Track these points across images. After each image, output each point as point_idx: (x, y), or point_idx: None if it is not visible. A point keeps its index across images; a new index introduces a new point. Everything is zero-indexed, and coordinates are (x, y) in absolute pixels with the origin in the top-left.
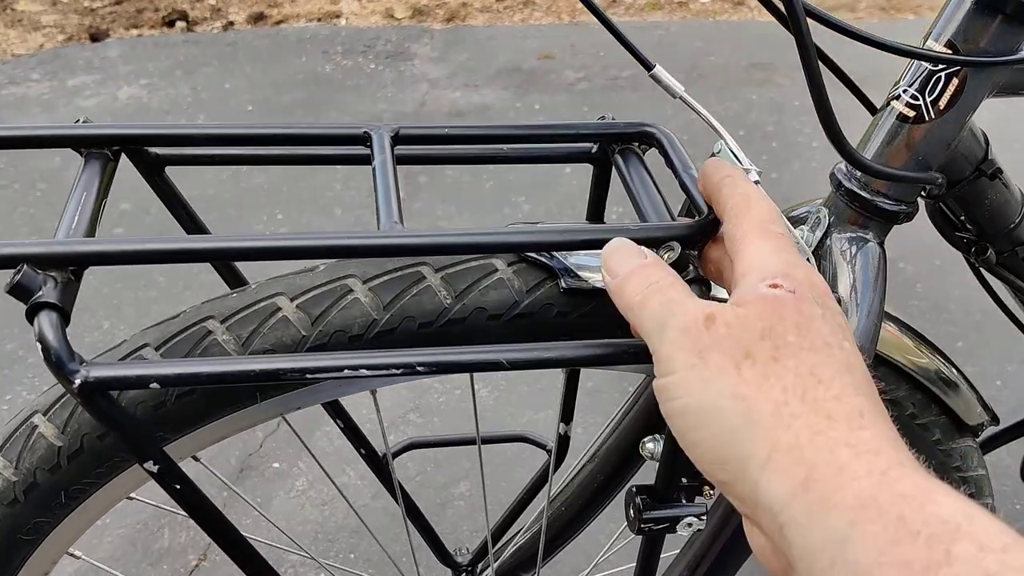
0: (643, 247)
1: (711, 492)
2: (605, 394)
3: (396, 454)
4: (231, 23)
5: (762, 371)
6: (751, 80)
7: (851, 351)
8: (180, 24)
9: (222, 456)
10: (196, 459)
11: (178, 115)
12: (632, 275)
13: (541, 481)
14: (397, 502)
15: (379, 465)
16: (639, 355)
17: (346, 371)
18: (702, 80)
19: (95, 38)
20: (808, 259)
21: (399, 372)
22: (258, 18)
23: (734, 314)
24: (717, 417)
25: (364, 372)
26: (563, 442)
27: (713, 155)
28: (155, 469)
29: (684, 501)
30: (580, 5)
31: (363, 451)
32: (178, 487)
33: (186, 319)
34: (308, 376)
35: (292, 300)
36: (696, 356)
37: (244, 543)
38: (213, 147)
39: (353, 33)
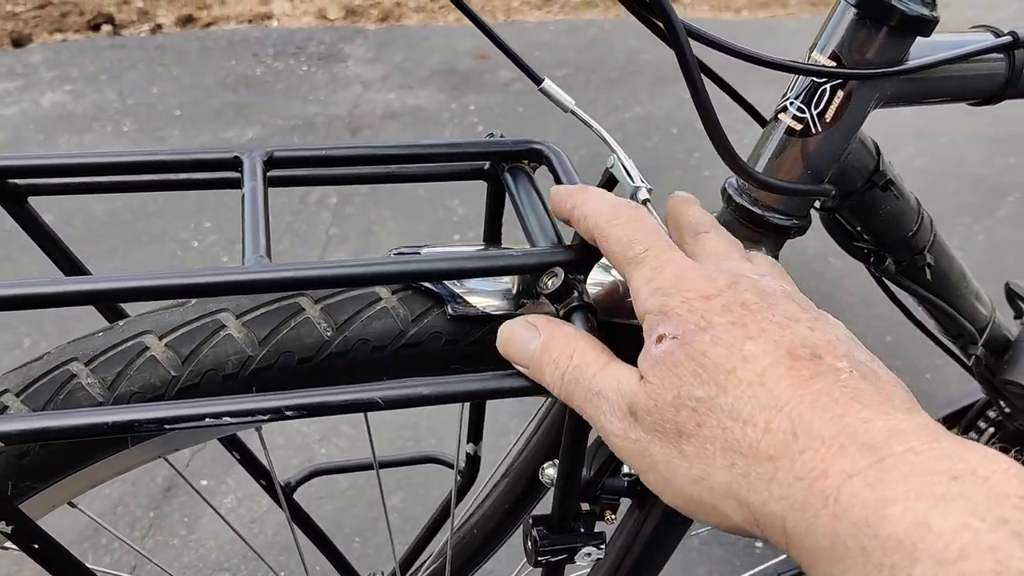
0: (535, 319)
1: (612, 517)
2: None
3: (299, 483)
4: (159, 26)
5: (698, 444)
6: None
7: (757, 344)
8: (106, 28)
9: (147, 475)
10: (73, 505)
11: (104, 121)
12: (539, 364)
13: (455, 501)
14: (303, 533)
15: (284, 495)
16: (522, 388)
17: (207, 420)
18: (635, 77)
19: (17, 43)
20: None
21: (266, 418)
22: (187, 20)
23: (646, 396)
24: (697, 503)
25: (227, 420)
26: (473, 463)
27: (607, 170)
28: (8, 529)
29: (583, 529)
30: (516, 4)
31: (263, 482)
32: (36, 546)
33: (49, 362)
34: (166, 427)
35: (161, 338)
36: (644, 457)
37: None
38: (78, 176)
39: (285, 35)
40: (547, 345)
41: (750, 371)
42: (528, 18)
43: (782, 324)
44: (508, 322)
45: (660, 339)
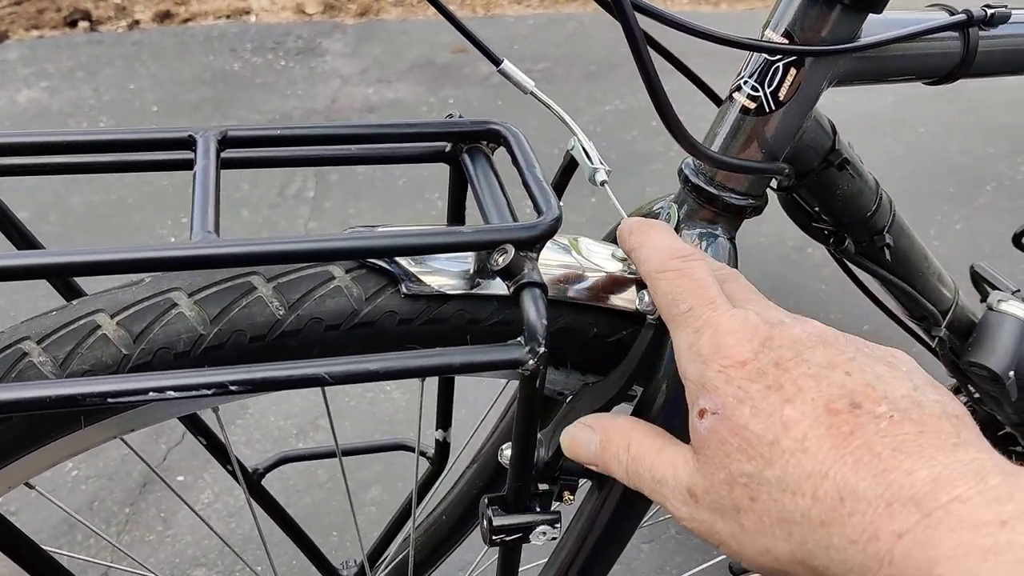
0: (589, 419)
1: (571, 498)
2: None
3: (267, 469)
4: (136, 22)
5: (755, 517)
6: (662, 70)
7: (795, 407)
8: (83, 24)
9: (123, 469)
10: (30, 487)
11: (80, 117)
12: (604, 461)
13: (424, 489)
14: (277, 524)
15: (250, 483)
16: (472, 364)
17: (151, 394)
18: (614, 71)
19: None
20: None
21: (210, 392)
22: (164, 16)
23: (701, 476)
24: (770, 570)
25: (172, 394)
26: (442, 450)
27: (567, 152)
28: None
29: (538, 508)
30: None
31: (230, 468)
32: None
33: (0, 341)
34: (110, 401)
35: (112, 317)
36: (712, 535)
37: None
38: (28, 156)
39: (263, 30)
40: (604, 443)
41: (791, 439)
42: (508, 12)
43: (818, 376)
44: (567, 427)
45: (702, 414)
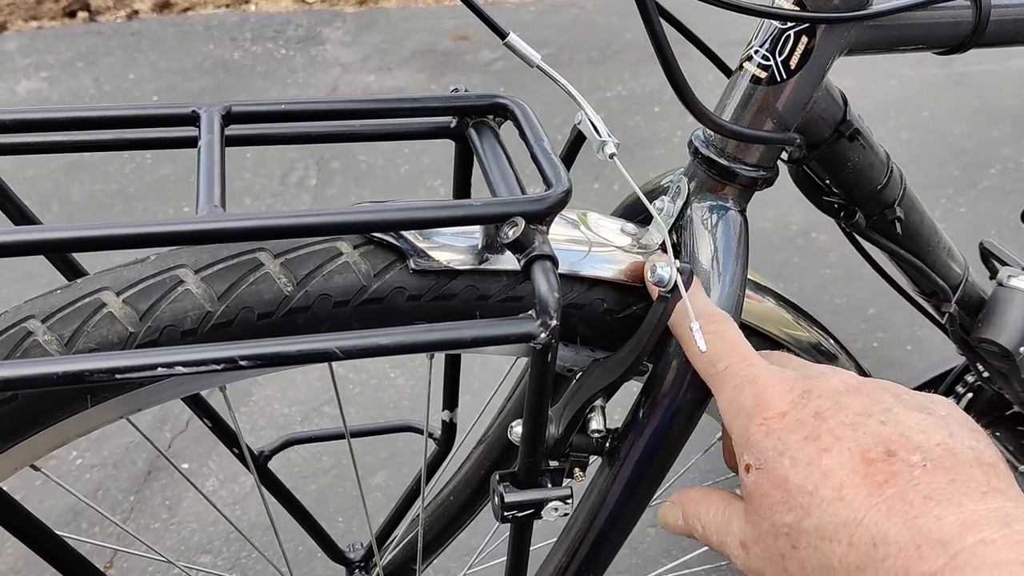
0: (676, 495)
1: (582, 475)
2: None
3: (273, 452)
4: (135, 12)
5: (797, 563)
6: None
7: (833, 456)
8: (82, 14)
9: (128, 458)
10: (36, 468)
11: None
12: (689, 533)
13: (431, 470)
14: (284, 508)
15: (257, 465)
16: (482, 339)
17: (160, 369)
18: (617, 56)
19: None
20: (664, 239)
21: (219, 367)
22: (164, 6)
23: (751, 528)
24: None
25: (180, 369)
26: (449, 431)
27: (575, 126)
28: None
29: (550, 485)
30: None
31: (235, 450)
32: None
33: (5, 320)
34: (118, 377)
35: (118, 295)
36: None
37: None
38: (32, 134)
39: (263, 19)
40: (685, 516)
41: (829, 488)
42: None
43: (855, 424)
44: (662, 505)
45: (748, 468)
